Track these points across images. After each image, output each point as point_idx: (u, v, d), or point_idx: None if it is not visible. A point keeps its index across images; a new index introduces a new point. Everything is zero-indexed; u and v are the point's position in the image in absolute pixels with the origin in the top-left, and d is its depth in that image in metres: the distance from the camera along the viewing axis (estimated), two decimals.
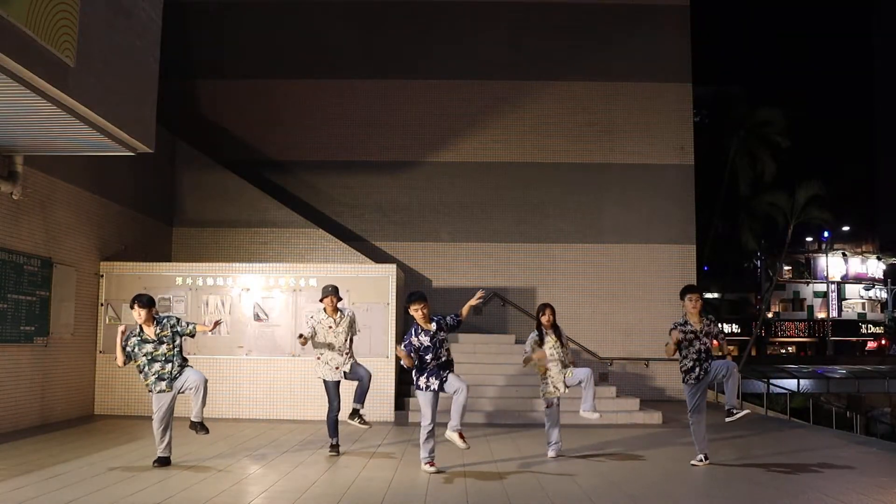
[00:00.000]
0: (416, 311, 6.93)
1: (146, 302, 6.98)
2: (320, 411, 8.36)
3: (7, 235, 8.92)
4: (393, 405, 10.95)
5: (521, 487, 6.38)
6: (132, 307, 6.98)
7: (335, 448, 7.98)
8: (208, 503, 5.63)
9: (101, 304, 11.09)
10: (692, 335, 7.37)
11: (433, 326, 6.96)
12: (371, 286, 11.20)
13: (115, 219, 11.71)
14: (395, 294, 11.23)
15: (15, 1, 5.57)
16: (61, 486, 6.04)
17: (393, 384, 11.01)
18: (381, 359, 10.84)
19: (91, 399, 10.88)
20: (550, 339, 7.87)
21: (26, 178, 8.97)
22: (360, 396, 8.03)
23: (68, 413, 10.26)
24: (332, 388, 8.03)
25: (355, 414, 7.96)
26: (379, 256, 14.64)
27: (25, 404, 9.32)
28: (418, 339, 6.91)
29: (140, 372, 7.04)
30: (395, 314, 11.19)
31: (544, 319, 7.91)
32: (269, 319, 11.07)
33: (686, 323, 7.42)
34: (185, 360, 7.16)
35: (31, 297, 9.35)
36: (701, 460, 7.45)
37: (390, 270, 11.45)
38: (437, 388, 6.91)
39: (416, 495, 6.01)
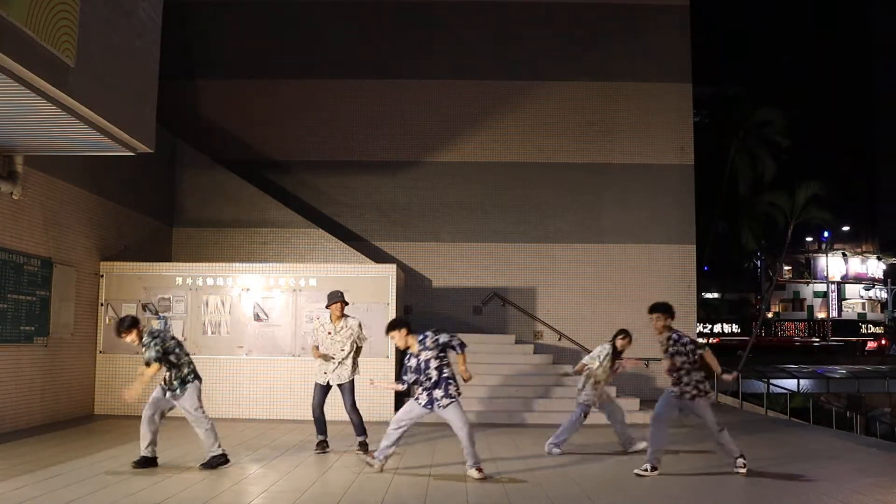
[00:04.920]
0: (393, 339, 6.93)
1: (129, 324, 6.74)
2: None
3: (7, 235, 8.92)
4: (392, 405, 10.93)
5: (520, 488, 6.39)
6: (121, 335, 6.73)
7: (320, 445, 8.01)
8: (208, 503, 5.64)
9: (101, 304, 11.09)
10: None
11: (417, 348, 6.86)
12: (371, 286, 11.21)
13: (115, 219, 11.71)
14: (394, 294, 11.25)
15: (15, 1, 5.57)
16: (61, 486, 6.05)
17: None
18: (380, 359, 10.84)
19: (91, 399, 10.89)
20: (608, 360, 8.75)
21: (26, 178, 8.97)
22: (358, 428, 8.04)
23: (68, 413, 10.25)
24: (315, 389, 8.10)
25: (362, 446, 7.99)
26: (379, 256, 14.63)
27: (25, 404, 9.32)
28: (408, 362, 6.93)
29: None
30: (394, 314, 11.18)
31: (620, 343, 8.88)
32: (269, 319, 11.07)
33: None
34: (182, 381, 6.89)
35: (31, 297, 9.34)
36: (647, 470, 6.94)
37: (390, 270, 11.46)
38: (423, 405, 6.84)
39: (416, 495, 6.01)
